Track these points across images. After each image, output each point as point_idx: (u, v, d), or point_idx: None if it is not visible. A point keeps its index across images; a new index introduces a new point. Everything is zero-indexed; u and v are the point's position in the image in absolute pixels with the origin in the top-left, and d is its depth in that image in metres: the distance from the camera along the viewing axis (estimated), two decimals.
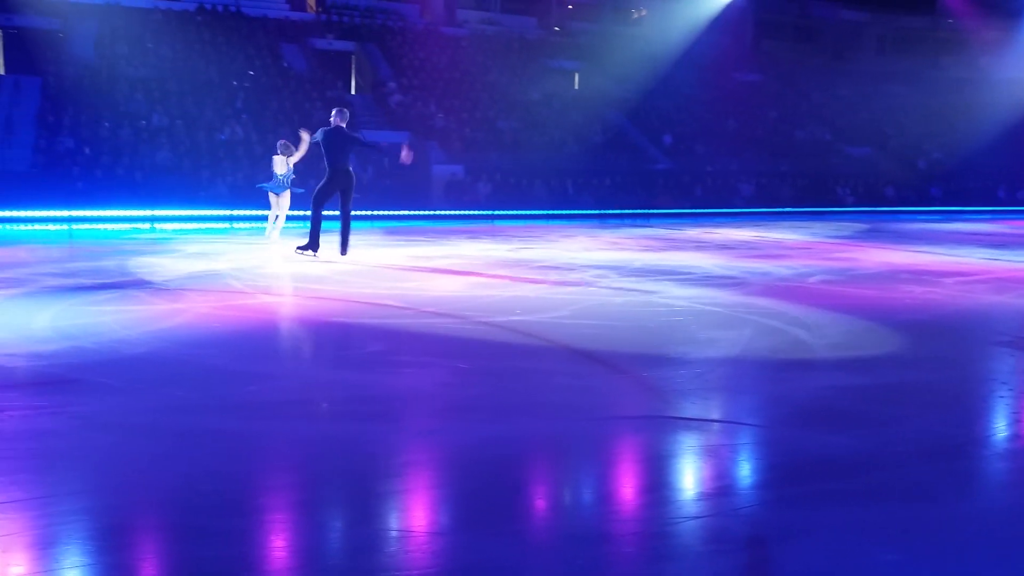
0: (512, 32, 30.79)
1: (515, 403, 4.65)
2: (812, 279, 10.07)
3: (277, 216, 13.42)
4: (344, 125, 11.07)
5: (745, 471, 3.79)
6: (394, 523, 3.16)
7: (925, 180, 28.67)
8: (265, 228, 13.85)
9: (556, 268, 10.76)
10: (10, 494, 3.29)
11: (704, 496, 3.44)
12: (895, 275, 10.55)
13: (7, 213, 16.12)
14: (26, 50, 23.38)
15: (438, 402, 4.79)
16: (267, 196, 13.59)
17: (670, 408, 4.63)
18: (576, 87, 30.02)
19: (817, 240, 16.27)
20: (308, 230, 11.07)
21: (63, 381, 4.83)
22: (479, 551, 2.87)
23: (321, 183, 11.00)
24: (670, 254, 12.96)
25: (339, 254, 10.86)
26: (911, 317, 7.64)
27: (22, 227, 15.94)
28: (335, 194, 11.01)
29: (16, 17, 23.90)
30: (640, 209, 22.70)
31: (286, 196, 13.30)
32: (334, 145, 10.88)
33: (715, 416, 4.58)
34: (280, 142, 13.40)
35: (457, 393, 4.89)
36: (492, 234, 16.59)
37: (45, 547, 2.85)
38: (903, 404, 4.79)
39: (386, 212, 19.98)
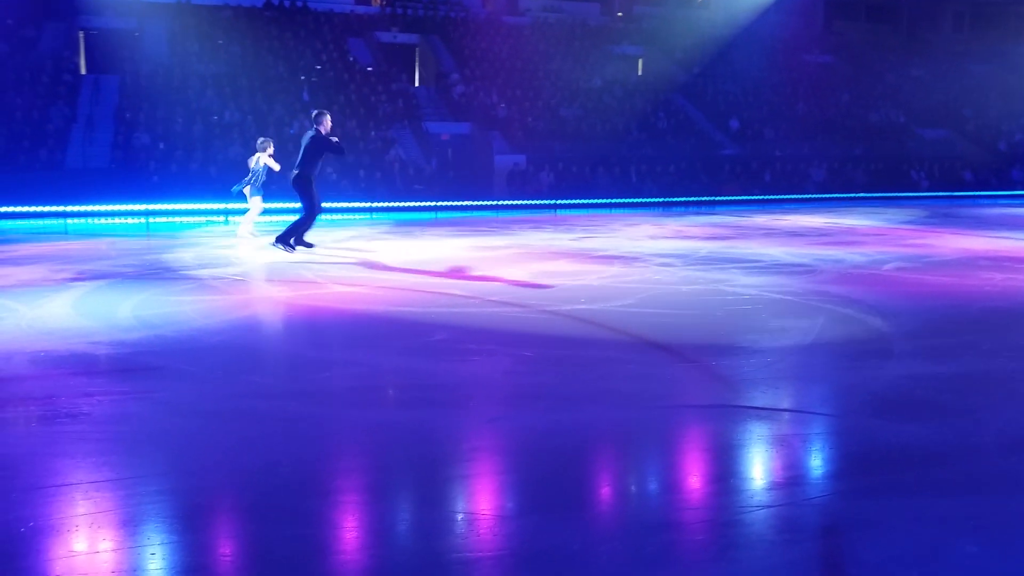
0: (574, 19, 30.59)
1: (582, 391, 4.66)
2: (887, 266, 9.79)
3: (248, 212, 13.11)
4: (322, 129, 10.62)
5: (817, 461, 3.72)
6: (463, 507, 3.21)
7: (1006, 162, 27.50)
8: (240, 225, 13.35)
9: (620, 257, 10.70)
10: (100, 474, 3.46)
11: (775, 485, 3.40)
12: (973, 262, 10.17)
13: (88, 208, 16.82)
14: (105, 50, 24.30)
15: (505, 390, 4.83)
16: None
17: (739, 397, 4.58)
18: (640, 73, 29.68)
19: (892, 226, 15.78)
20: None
21: (146, 368, 5.04)
22: (547, 536, 2.90)
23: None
24: (738, 242, 12.75)
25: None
26: (990, 305, 7.37)
27: (102, 221, 16.61)
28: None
29: (95, 19, 24.83)
30: (706, 196, 22.36)
31: (259, 196, 12.98)
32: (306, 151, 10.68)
33: (786, 405, 4.51)
34: (260, 140, 13.09)
35: (523, 381, 4.92)
36: (555, 224, 16.58)
37: (130, 525, 2.99)
38: (983, 394, 4.64)
39: (449, 203, 20.14)
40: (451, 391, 4.74)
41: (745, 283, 8.38)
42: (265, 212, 13.76)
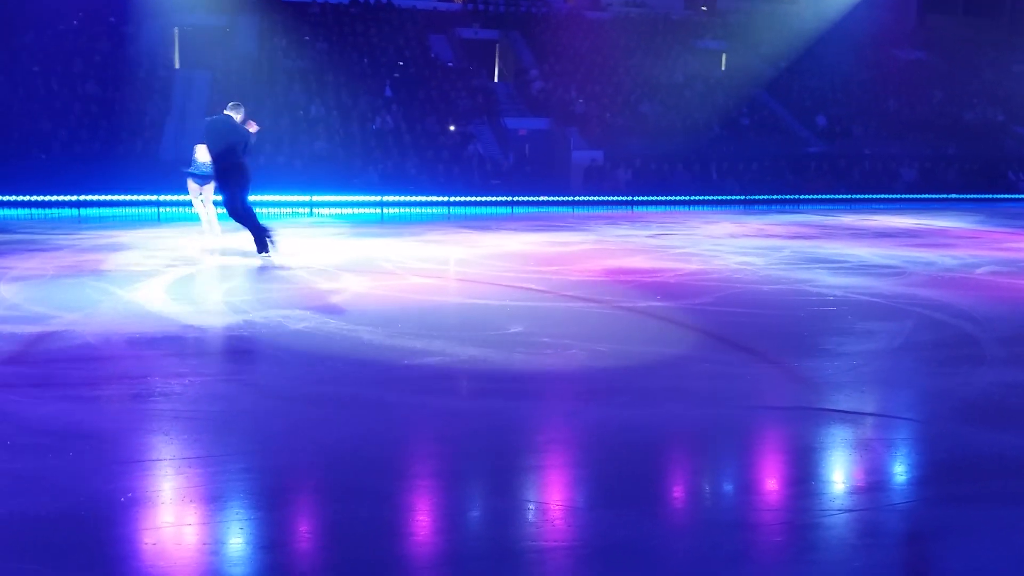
0: (656, 13, 30.19)
1: (658, 388, 4.63)
2: (980, 270, 9.37)
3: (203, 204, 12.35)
4: (237, 117, 9.42)
5: (902, 467, 3.61)
6: (535, 497, 3.23)
7: None
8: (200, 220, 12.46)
9: (699, 255, 10.55)
10: (191, 451, 3.62)
11: (857, 490, 3.32)
12: None
13: (181, 197, 17.50)
14: (197, 46, 25.24)
15: (579, 384, 4.83)
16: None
17: (822, 400, 4.47)
18: (723, 68, 29.12)
19: (986, 229, 15.08)
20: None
21: (236, 351, 5.24)
22: (620, 530, 2.90)
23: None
24: (823, 241, 12.40)
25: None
26: None
27: (193, 210, 17.24)
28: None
29: (189, 16, 25.80)
30: (790, 194, 21.81)
31: (209, 187, 12.15)
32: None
33: (870, 409, 4.38)
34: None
35: (598, 376, 4.92)
36: (632, 220, 16.44)
37: (217, 500, 3.12)
38: None
39: (526, 198, 20.19)
40: (525, 383, 4.77)
41: (830, 284, 8.16)
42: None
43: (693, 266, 9.44)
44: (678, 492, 3.37)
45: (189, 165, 12.27)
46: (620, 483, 3.32)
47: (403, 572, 2.63)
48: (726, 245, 11.73)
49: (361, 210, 18.30)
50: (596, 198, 20.77)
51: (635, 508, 3.08)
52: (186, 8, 25.32)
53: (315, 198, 18.22)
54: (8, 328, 5.73)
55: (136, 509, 3.00)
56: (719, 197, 21.41)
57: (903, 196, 22.68)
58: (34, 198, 16.13)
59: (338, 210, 18.13)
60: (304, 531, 2.95)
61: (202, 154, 11.89)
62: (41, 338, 5.51)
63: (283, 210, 17.71)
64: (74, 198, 16.52)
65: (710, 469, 3.63)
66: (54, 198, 16.35)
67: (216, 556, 2.70)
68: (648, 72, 26.13)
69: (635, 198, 20.83)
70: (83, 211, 16.56)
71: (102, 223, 14.71)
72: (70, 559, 2.61)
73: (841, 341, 5.75)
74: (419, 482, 3.41)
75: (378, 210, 18.32)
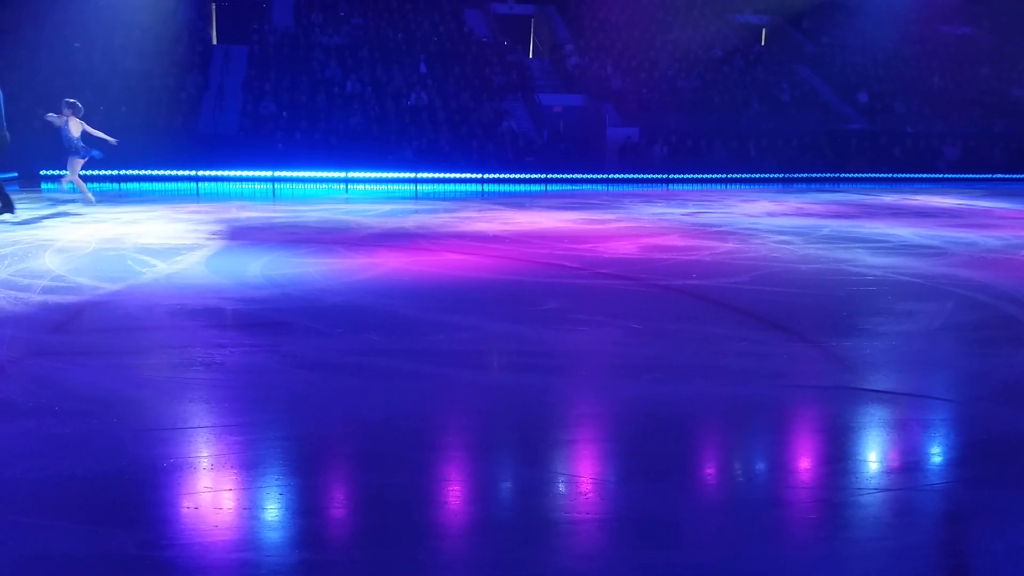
0: None
1: (692, 365, 4.61)
2: None
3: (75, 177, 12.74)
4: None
5: (939, 447, 3.56)
6: (566, 469, 3.25)
7: None
8: (78, 195, 12.88)
9: (735, 233, 10.43)
10: (231, 418, 3.69)
11: (893, 470, 3.28)
12: None
13: (219, 172, 17.73)
14: (235, 20, 25.39)
15: (612, 359, 4.83)
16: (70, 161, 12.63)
17: (859, 379, 4.42)
18: (763, 43, 28.60)
19: None
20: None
21: (273, 323, 5.32)
22: (651, 503, 2.91)
23: None
24: (863, 221, 12.20)
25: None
26: None
27: (232, 185, 17.47)
28: None
29: None
30: (830, 172, 21.46)
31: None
32: None
33: (908, 390, 4.32)
34: (68, 101, 12.38)
35: (631, 352, 4.91)
36: (667, 198, 16.30)
37: (254, 467, 3.18)
38: None
39: (560, 175, 20.11)
40: (558, 358, 4.78)
41: (870, 264, 8.03)
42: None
43: (729, 245, 9.35)
44: (710, 468, 3.36)
45: (78, 147, 12.32)
46: (652, 458, 3.33)
47: (435, 540, 2.67)
48: (763, 223, 11.58)
49: (395, 186, 18.37)
50: (631, 176, 20.61)
51: (666, 483, 3.08)
52: None
53: (350, 174, 18.33)
54: (54, 298, 5.87)
55: (176, 474, 3.07)
56: (757, 175, 21.12)
57: (946, 175, 22.17)
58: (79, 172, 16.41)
59: (372, 186, 18.22)
60: (338, 498, 3.00)
61: (76, 129, 12.26)
62: (85, 308, 5.64)
63: (319, 185, 17.85)
64: (115, 172, 16.80)
65: (743, 446, 3.62)
66: (96, 172, 16.61)
67: (253, 520, 2.76)
68: (686, 47, 25.76)
69: (671, 175, 20.63)
70: (123, 185, 16.83)
71: (142, 197, 14.95)
72: (112, 520, 2.69)
73: (880, 321, 5.67)
74: (451, 452, 3.45)
75: (412, 186, 18.38)
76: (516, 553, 2.56)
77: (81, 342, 4.86)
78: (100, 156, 12.77)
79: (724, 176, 20.72)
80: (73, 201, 13.15)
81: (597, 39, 26.27)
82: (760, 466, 3.40)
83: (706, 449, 3.60)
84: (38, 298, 5.86)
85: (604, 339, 5.20)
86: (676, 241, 9.62)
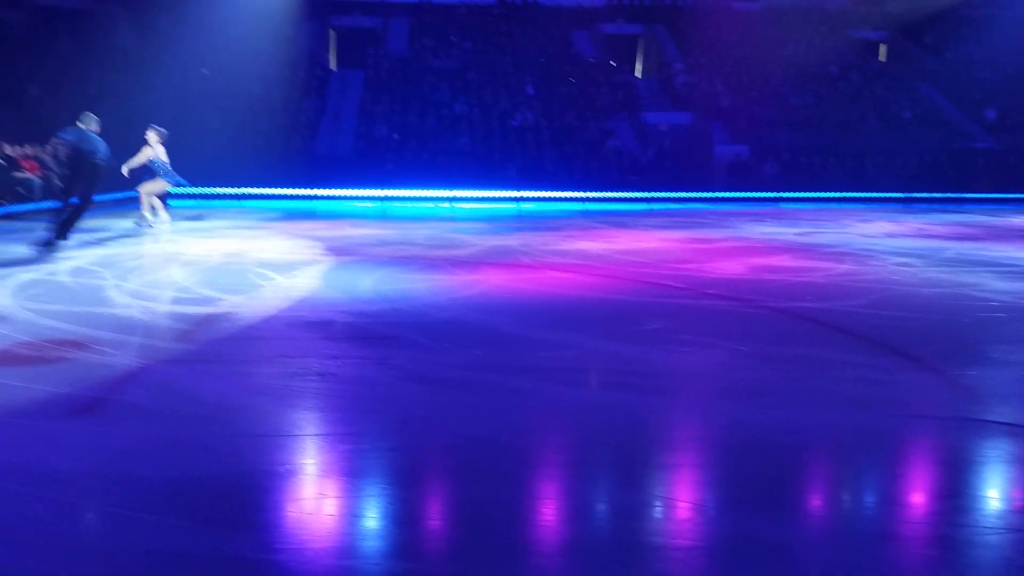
0: (811, 3, 28.90)
1: (804, 391, 4.46)
2: None
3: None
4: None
5: None
6: (664, 493, 3.19)
7: None
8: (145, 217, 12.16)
9: (851, 254, 10.04)
10: (341, 428, 3.82)
11: (1017, 509, 3.07)
12: None
13: (333, 192, 18.47)
14: (352, 47, 26.42)
15: (718, 383, 4.72)
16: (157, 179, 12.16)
17: (984, 410, 4.17)
18: (881, 58, 27.53)
19: None
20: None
21: (384, 337, 5.48)
22: (752, 532, 2.81)
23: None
24: (990, 243, 11.52)
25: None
26: None
27: (345, 203, 18.15)
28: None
29: (346, 18, 27.05)
30: (953, 192, 20.37)
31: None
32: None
33: None
34: (156, 128, 11.97)
35: (739, 376, 4.79)
36: (778, 217, 15.86)
37: (360, 476, 3.28)
38: None
39: (665, 194, 19.90)
40: (662, 379, 4.71)
41: (997, 288, 7.57)
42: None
43: (846, 266, 9.00)
44: (817, 498, 3.24)
45: (167, 171, 11.97)
46: (755, 486, 3.23)
47: (531, 557, 2.68)
48: (882, 245, 11.11)
49: (499, 205, 18.62)
50: (739, 194, 20.18)
51: (771, 512, 2.99)
52: (342, 10, 26.55)
53: (455, 193, 18.71)
54: (180, 308, 6.24)
55: (290, 480, 3.20)
56: (875, 194, 20.29)
57: None
58: (202, 190, 17.43)
59: (477, 205, 18.53)
60: (436, 510, 3.05)
61: (163, 154, 11.86)
62: (209, 318, 5.96)
63: (426, 204, 18.30)
64: (236, 191, 17.74)
65: (855, 477, 3.46)
66: (219, 191, 17.60)
67: (353, 528, 2.85)
68: (799, 63, 25.08)
69: (782, 194, 20.08)
70: (245, 203, 17.74)
71: (262, 214, 15.69)
72: (220, 521, 2.83)
73: (1009, 350, 5.33)
74: (551, 471, 3.45)
75: (515, 205, 18.57)
76: None
77: (205, 351, 5.15)
78: (186, 184, 12.63)
79: (839, 195, 19.99)
80: (198, 218, 13.94)
81: (706, 57, 25.92)
82: (873, 498, 3.25)
83: (815, 478, 3.47)
84: (165, 308, 6.24)
85: (710, 361, 5.09)
86: (787, 262, 9.35)
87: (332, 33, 27.57)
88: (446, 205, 18.31)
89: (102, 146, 9.56)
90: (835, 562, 2.66)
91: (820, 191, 20.27)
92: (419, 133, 21.93)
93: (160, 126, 11.80)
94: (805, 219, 15.40)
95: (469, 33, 26.15)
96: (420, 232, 12.49)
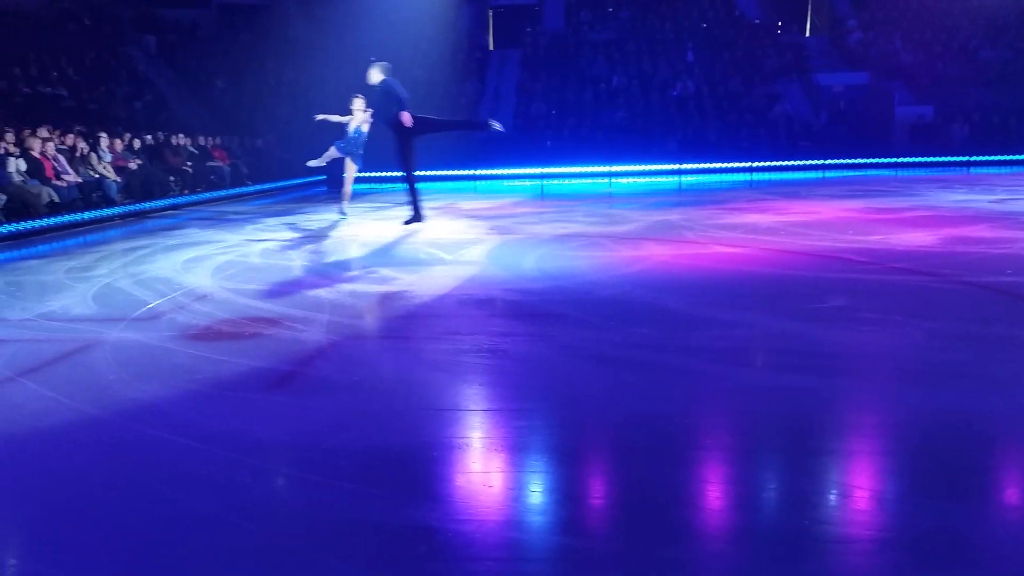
0: None
1: (1005, 375, 4.07)
2: None
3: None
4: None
5: None
6: (840, 480, 3.01)
7: None
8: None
9: None
10: (514, 403, 3.90)
11: None
12: None
13: (494, 171, 18.80)
14: (509, 26, 26.65)
15: (907, 364, 4.40)
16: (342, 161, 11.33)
17: None
18: None
19: None
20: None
21: (550, 315, 5.53)
22: (935, 524, 2.60)
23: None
24: None
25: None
26: None
27: (505, 183, 18.43)
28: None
29: None
30: None
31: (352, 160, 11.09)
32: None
33: None
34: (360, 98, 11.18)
35: (931, 357, 4.44)
36: (969, 183, 14.58)
37: (522, 451, 3.32)
38: None
39: (840, 161, 18.79)
40: (843, 361, 4.45)
41: None
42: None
43: None
44: (1014, 492, 2.95)
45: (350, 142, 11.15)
46: (942, 476, 2.97)
47: (694, 542, 2.61)
48: None
49: (659, 179, 18.25)
50: (925, 159, 18.72)
51: (961, 503, 2.75)
52: None
53: (614, 168, 18.52)
54: (360, 287, 6.59)
55: (461, 452, 3.29)
56: None
57: None
58: (369, 173, 18.22)
59: (636, 179, 18.26)
60: (596, 488, 3.04)
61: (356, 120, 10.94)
62: (387, 296, 6.24)
63: (584, 180, 18.24)
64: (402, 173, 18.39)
65: None
66: (375, 174, 18.30)
67: (517, 503, 2.89)
68: (991, 13, 22.82)
69: (972, 158, 18.44)
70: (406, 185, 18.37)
71: (428, 195, 16.19)
72: (405, 490, 2.95)
73: None
74: (719, 454, 3.35)
75: (676, 178, 18.15)
76: (780, 566, 2.43)
77: (385, 326, 5.39)
78: (361, 167, 11.58)
79: None
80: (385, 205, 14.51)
81: (883, 11, 24.11)
82: None
83: (1011, 469, 3.17)
84: (348, 287, 6.60)
85: (898, 341, 4.76)
86: (983, 232, 8.57)
87: (490, 13, 27.91)
88: (604, 181, 18.17)
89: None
90: None
91: (1016, 154, 18.45)
92: (576, 109, 21.85)
93: (335, 113, 11.41)
94: (1000, 185, 14.07)
95: (627, 2, 25.67)
96: (579, 208, 12.47)
